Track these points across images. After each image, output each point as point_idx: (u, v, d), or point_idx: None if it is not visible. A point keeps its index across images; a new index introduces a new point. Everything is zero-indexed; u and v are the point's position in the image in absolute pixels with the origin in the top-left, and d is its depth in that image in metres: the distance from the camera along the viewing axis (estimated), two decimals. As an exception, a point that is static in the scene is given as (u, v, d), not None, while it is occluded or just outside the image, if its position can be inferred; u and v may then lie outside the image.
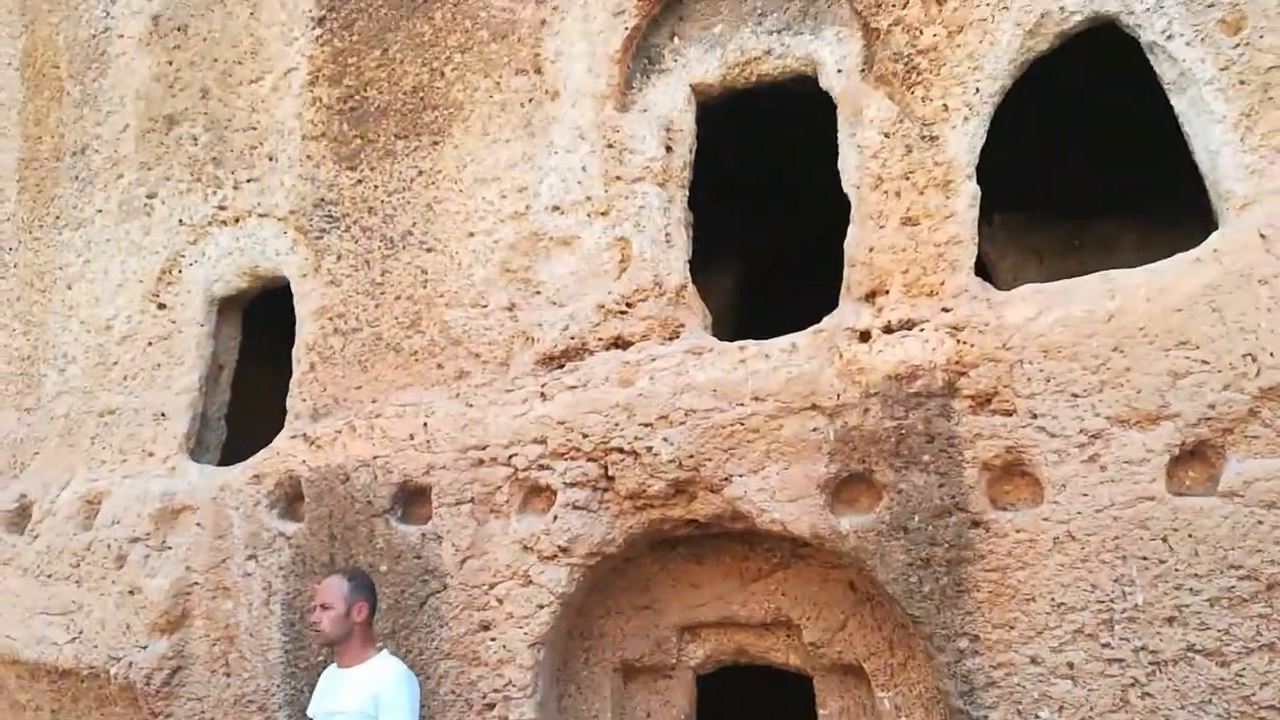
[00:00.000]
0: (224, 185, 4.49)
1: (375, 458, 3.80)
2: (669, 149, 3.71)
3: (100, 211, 4.80)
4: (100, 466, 4.48)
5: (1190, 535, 2.81)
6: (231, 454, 4.37)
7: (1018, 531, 2.98)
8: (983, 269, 3.65)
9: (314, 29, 4.40)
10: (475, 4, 4.07)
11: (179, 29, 4.77)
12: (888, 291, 3.32)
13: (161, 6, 4.83)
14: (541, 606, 3.51)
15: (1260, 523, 2.76)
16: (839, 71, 3.54)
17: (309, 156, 4.30)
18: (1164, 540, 2.83)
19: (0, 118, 5.24)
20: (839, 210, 3.48)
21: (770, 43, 3.65)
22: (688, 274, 3.65)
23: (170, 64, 4.74)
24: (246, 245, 4.41)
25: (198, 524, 4.10)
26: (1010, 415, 3.02)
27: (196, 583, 4.06)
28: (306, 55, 4.40)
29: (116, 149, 4.81)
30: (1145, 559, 2.84)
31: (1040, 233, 4.79)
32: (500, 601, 3.55)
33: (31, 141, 5.12)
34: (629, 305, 3.62)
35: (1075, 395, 2.96)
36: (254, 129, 4.46)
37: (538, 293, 3.78)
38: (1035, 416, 2.99)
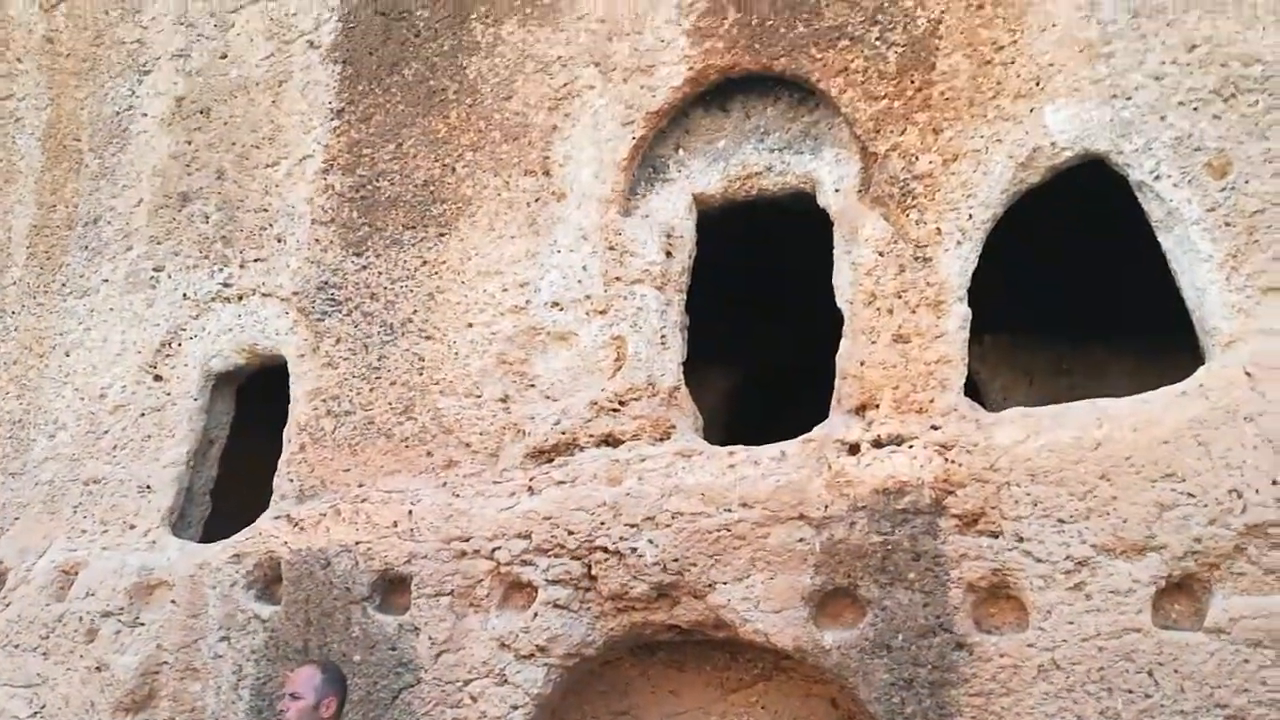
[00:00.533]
0: (230, 263, 4.56)
1: (358, 543, 3.76)
2: (669, 254, 3.79)
3: (106, 281, 4.85)
4: (80, 536, 4.42)
5: (1176, 670, 2.78)
6: (220, 530, 4.33)
7: (1002, 656, 2.95)
8: (974, 387, 3.69)
9: (332, 120, 4.53)
10: (490, 106, 4.20)
11: (201, 112, 4.90)
12: (878, 406, 3.35)
13: (186, 89, 4.98)
14: (516, 707, 3.44)
15: (1246, 661, 2.73)
16: (837, 191, 3.63)
17: (317, 240, 4.38)
18: (1150, 674, 2.80)
19: (18, 185, 5.34)
20: (834, 322, 3.54)
21: (771, 159, 3.76)
22: (681, 376, 3.69)
23: (189, 144, 4.87)
24: (247, 323, 4.45)
25: (172, 601, 4.03)
26: (997, 537, 3.02)
27: (166, 662, 3.98)
28: (323, 144, 4.52)
29: (129, 222, 4.90)
30: (1131, 692, 2.81)
31: (1031, 354, 4.89)
32: (474, 699, 3.47)
33: (45, 209, 5.21)
34: (621, 403, 3.64)
35: (1062, 521, 2.97)
36: (265, 211, 4.55)
37: (532, 386, 3.81)
38: (1021, 540, 2.99)
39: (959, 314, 3.34)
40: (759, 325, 5.78)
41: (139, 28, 5.20)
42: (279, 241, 4.47)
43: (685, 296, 3.81)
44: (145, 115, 5.07)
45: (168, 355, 4.58)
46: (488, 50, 4.25)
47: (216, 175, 4.75)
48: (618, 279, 3.79)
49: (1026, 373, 4.85)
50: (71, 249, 5.05)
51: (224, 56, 4.92)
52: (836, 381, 3.45)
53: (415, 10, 4.45)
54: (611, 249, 3.82)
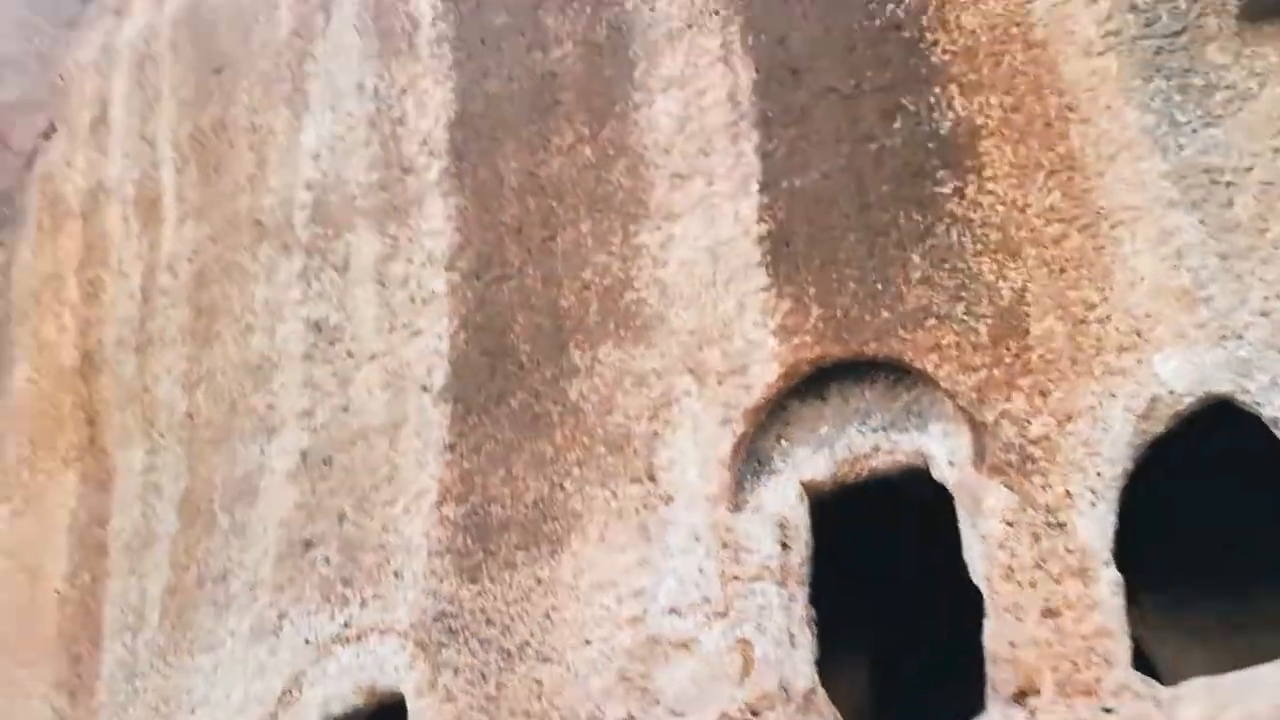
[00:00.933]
0: (350, 603, 4.59)
1: None
2: (785, 546, 3.70)
3: (232, 634, 4.91)
4: None
5: None
6: None
7: None
8: (1140, 655, 3.36)
9: (445, 454, 4.70)
10: (593, 422, 4.33)
11: (324, 461, 5.15)
12: (1039, 691, 3.09)
13: (310, 443, 5.26)
14: None
15: None
16: (951, 464, 3.56)
17: (433, 572, 4.40)
18: None
19: (154, 549, 5.57)
20: (971, 600, 3.32)
21: (878, 440, 3.74)
22: (815, 676, 3.48)
23: (312, 493, 5.07)
24: (366, 662, 4.41)
25: None
26: (1211, 833, 2.61)
27: None
28: (436, 478, 4.66)
29: (255, 573, 5.02)
30: None
31: (1198, 611, 4.43)
32: None
33: (178, 570, 5.39)
34: (754, 713, 3.43)
35: (1283, 806, 2.56)
36: (383, 548, 4.63)
37: (656, 702, 3.62)
38: (1241, 834, 2.57)
39: (1109, 579, 3.14)
40: (888, 607, 5.48)
41: (269, 394, 5.61)
42: (397, 576, 4.51)
43: (809, 589, 3.66)
44: (273, 472, 5.34)
45: (288, 703, 4.52)
46: (587, 372, 4.45)
47: (338, 519, 4.90)
48: (735, 578, 3.69)
49: (1197, 633, 4.38)
50: (201, 606, 5.16)
51: (345, 409, 5.23)
52: (987, 666, 3.20)
53: (518, 346, 4.72)
54: (725, 547, 3.75)
